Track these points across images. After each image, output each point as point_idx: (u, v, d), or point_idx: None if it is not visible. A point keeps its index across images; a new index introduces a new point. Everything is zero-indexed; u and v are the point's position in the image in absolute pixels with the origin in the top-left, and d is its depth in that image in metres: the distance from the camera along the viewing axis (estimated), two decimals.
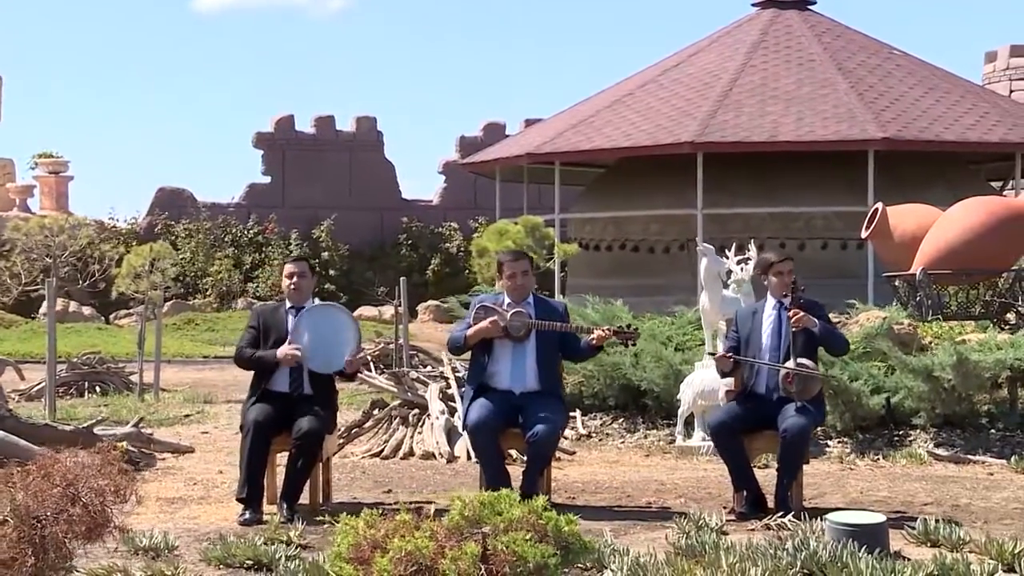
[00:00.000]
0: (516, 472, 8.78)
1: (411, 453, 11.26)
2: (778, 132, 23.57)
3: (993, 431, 11.98)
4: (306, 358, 8.56)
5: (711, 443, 11.86)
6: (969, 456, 11.39)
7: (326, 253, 34.41)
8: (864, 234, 16.13)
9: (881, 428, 12.13)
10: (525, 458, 8.74)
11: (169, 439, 11.90)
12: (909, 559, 6.77)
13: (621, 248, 25.52)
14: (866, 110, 24.06)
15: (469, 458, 11.08)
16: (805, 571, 6.46)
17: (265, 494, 8.47)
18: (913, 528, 7.51)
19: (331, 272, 34.40)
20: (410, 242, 35.10)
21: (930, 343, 13.16)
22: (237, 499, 8.32)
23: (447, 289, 33.49)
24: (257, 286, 33.23)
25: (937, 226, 15.43)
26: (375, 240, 35.05)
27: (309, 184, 35.01)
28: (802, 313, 8.48)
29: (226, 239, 33.88)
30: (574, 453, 11.56)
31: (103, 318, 30.39)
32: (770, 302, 8.81)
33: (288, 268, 8.99)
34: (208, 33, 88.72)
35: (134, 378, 18.44)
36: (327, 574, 6.33)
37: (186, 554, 7.05)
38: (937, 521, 7.55)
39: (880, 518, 7.09)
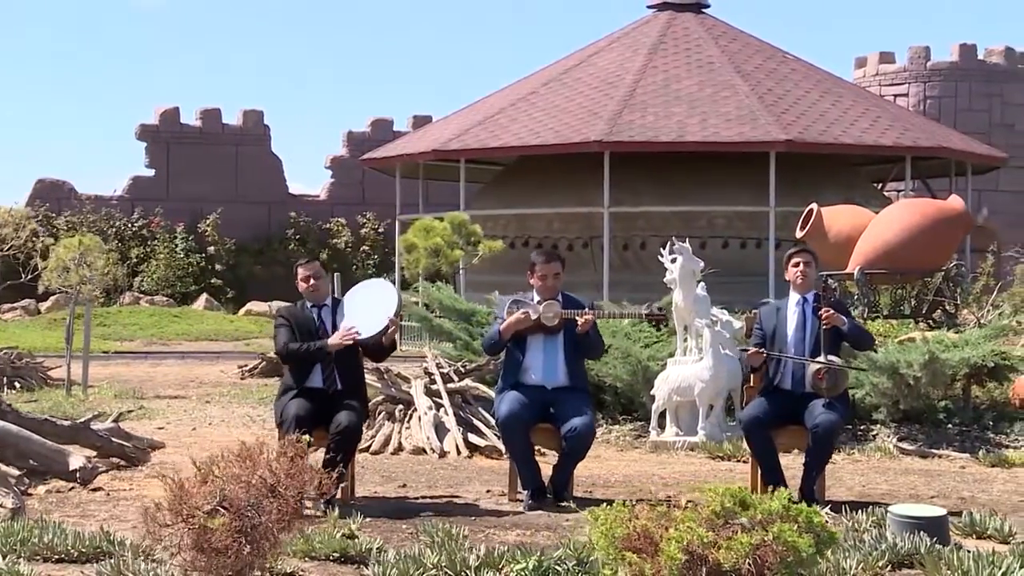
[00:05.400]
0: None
1: (400, 448, 11.24)
2: (684, 133, 23.89)
3: (950, 426, 12.35)
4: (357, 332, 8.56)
5: (685, 438, 12.09)
6: (933, 451, 11.72)
7: (212, 247, 34.02)
8: (799, 234, 16.47)
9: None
10: (558, 453, 8.78)
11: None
12: (969, 551, 6.96)
13: (524, 245, 25.61)
14: (767, 113, 24.52)
15: (459, 453, 11.12)
16: (892, 562, 6.62)
17: None
18: (959, 520, 7.72)
19: (217, 266, 34.01)
20: (298, 237, 34.84)
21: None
22: None
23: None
24: (143, 280, 32.70)
25: (873, 226, 15.85)
26: (262, 234, 34.74)
27: (195, 177, 34.51)
28: (833, 312, 8.65)
29: (110, 232, 33.25)
30: None
31: None
32: (793, 298, 8.97)
33: (302, 272, 8.83)
34: (29, 17, 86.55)
35: (52, 373, 18.08)
36: (424, 564, 6.35)
37: None
38: (980, 514, 7.77)
39: (941, 511, 7.28)
